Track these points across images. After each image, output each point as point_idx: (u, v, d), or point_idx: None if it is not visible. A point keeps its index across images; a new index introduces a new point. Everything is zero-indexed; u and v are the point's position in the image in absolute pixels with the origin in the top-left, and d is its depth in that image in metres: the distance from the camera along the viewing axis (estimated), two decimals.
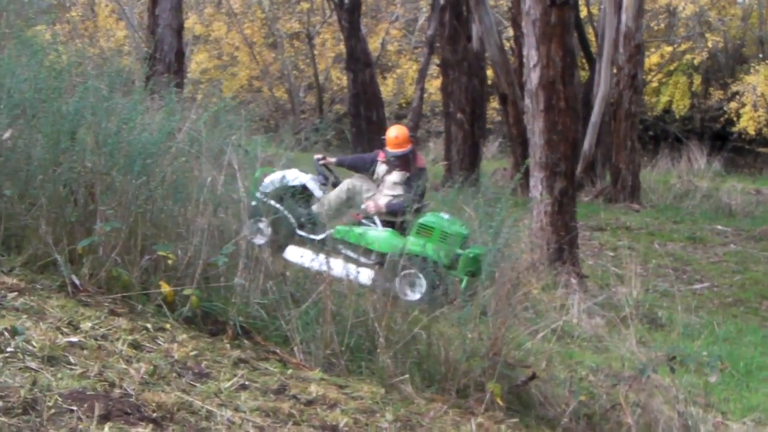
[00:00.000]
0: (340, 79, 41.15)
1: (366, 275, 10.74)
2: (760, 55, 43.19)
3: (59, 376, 4.59)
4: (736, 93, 41.93)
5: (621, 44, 25.20)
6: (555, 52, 14.08)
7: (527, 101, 14.43)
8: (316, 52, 41.26)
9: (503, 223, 8.88)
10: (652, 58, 41.15)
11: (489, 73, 28.49)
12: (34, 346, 4.85)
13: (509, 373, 7.11)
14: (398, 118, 40.01)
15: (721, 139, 40.29)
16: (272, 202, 11.51)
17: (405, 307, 7.05)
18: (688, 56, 42.92)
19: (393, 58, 45.38)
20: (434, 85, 37.19)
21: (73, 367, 4.78)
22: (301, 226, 11.63)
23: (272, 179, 11.80)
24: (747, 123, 40.81)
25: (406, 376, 6.50)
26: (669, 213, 24.42)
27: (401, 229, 11.57)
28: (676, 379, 8.11)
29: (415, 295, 11.15)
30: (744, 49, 45.47)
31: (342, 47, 33.59)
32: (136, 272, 6.41)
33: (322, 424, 5.19)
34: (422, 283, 11.21)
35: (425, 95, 37.43)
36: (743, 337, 13.10)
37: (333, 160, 12.68)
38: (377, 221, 11.61)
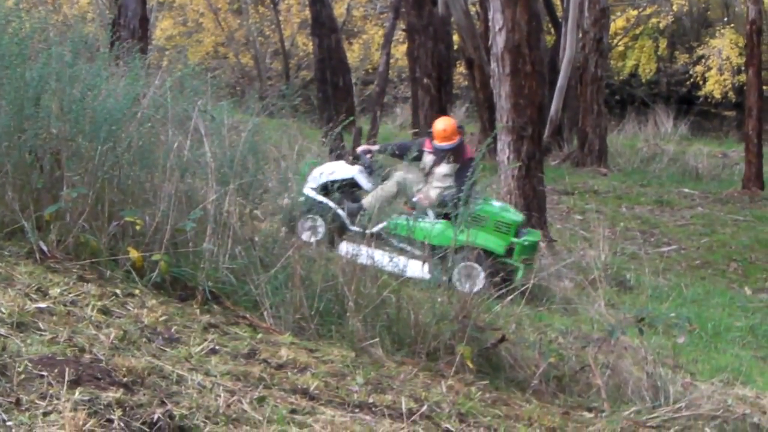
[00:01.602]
0: (306, 44, 40.99)
1: (421, 268, 10.75)
2: (725, 19, 43.37)
3: (29, 341, 4.57)
4: (702, 57, 42.11)
5: (586, 8, 25.25)
6: (520, 16, 14.06)
7: (493, 65, 14.42)
8: (281, 18, 41.07)
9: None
10: (617, 22, 41.21)
11: (455, 38, 28.49)
12: (3, 312, 4.83)
13: (479, 335, 7.13)
14: (365, 84, 39.99)
15: (687, 102, 40.48)
16: (322, 198, 11.48)
17: (374, 271, 7.03)
18: (653, 20, 43.02)
19: (359, 24, 45.27)
20: (400, 50, 37.12)
21: (42, 332, 4.77)
22: (353, 221, 11.55)
23: (320, 173, 11.74)
24: (713, 86, 41.00)
25: (376, 339, 6.51)
26: (636, 176, 24.54)
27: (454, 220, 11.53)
28: (644, 341, 8.15)
29: (473, 286, 11.10)
30: (709, 13, 45.60)
31: (307, 13, 33.43)
32: (104, 238, 6.39)
33: (292, 388, 5.19)
34: (479, 274, 11.18)
35: (392, 61, 37.29)
36: (711, 298, 13.19)
37: (376, 148, 12.53)
38: (430, 213, 11.50)
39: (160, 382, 4.60)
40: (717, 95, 40.79)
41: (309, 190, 11.51)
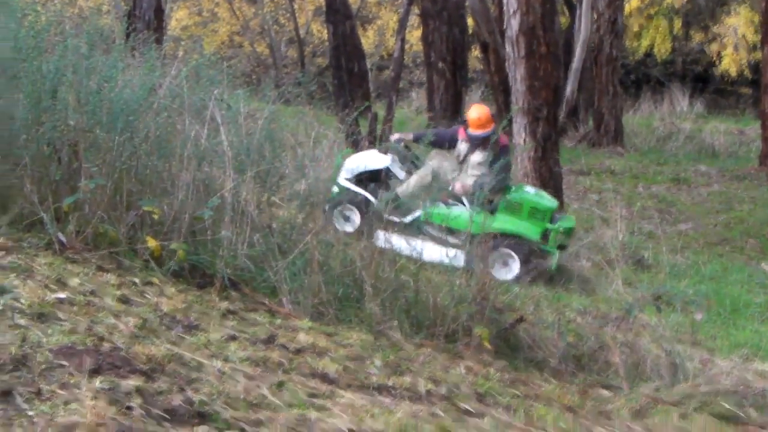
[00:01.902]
0: (320, 32, 40.92)
1: (458, 256, 10.81)
2: None
3: (49, 332, 4.62)
4: (717, 35, 41.87)
5: None
6: None
7: (508, 48, 14.40)
8: (296, 6, 41.02)
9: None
10: (632, 2, 40.98)
11: (469, 21, 28.39)
12: (23, 304, 4.88)
13: (497, 317, 7.17)
14: (380, 70, 39.95)
15: (702, 81, 40.25)
16: (357, 188, 11.51)
17: (391, 255, 7.07)
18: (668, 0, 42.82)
19: (373, 10, 45.16)
20: (415, 35, 37.02)
21: (62, 323, 4.81)
22: (388, 210, 11.57)
23: (354, 164, 11.76)
24: (728, 64, 40.76)
25: (395, 322, 6.55)
26: (652, 155, 24.47)
27: (490, 208, 11.55)
28: (662, 319, 8.19)
29: (509, 274, 11.14)
30: None
31: (322, 0, 33.40)
32: (122, 228, 6.43)
33: (312, 372, 5.24)
34: (515, 261, 11.23)
35: (406, 46, 37.22)
36: (729, 275, 13.17)
37: (410, 137, 12.50)
38: (465, 201, 11.52)
39: (179, 369, 4.64)
40: (733, 73, 40.57)
41: (344, 180, 11.55)
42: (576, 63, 26.28)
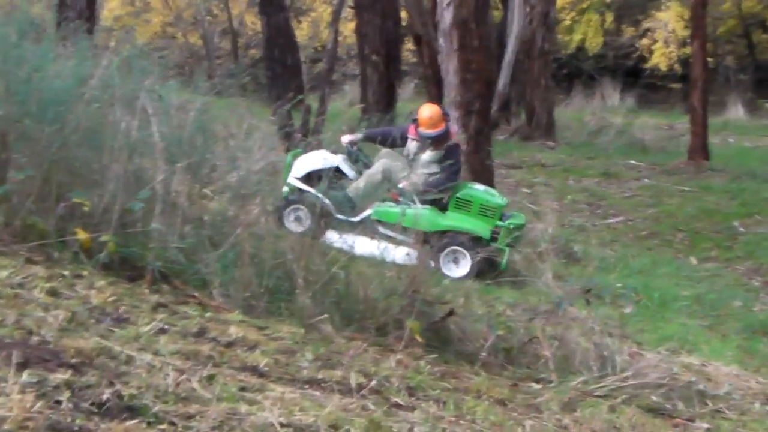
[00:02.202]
0: (254, 23, 40.75)
1: (408, 254, 10.84)
2: None
3: None
4: (648, 29, 42.29)
5: None
6: None
7: (441, 41, 14.43)
8: None
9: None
10: None
11: (403, 14, 28.42)
12: None
13: (428, 310, 7.18)
14: (314, 62, 39.88)
15: (633, 75, 40.61)
16: (306, 187, 11.47)
17: (323, 247, 7.07)
18: None
19: (307, 2, 45.11)
20: (349, 27, 37.03)
21: None
22: (338, 210, 11.57)
23: (304, 163, 11.71)
24: (659, 59, 41.19)
25: (326, 315, 6.54)
26: (583, 149, 24.67)
27: (440, 206, 11.59)
28: (592, 312, 8.26)
29: (460, 271, 11.17)
30: None
31: None
32: (51, 220, 6.38)
33: (242, 365, 5.23)
34: (466, 259, 11.23)
35: (340, 38, 37.18)
36: (657, 269, 13.31)
37: (360, 136, 12.50)
38: (415, 199, 11.54)
39: (108, 362, 4.61)
40: (663, 68, 40.99)
41: (294, 179, 11.55)
42: (508, 56, 26.38)
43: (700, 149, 23.34)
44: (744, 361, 9.27)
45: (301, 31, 41.37)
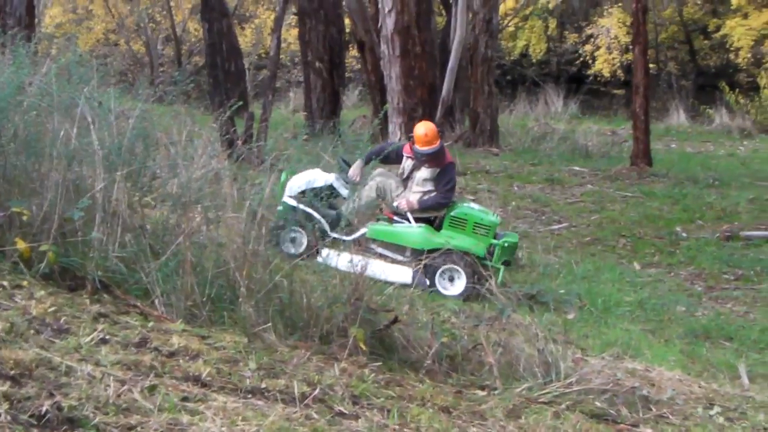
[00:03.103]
0: (197, 30, 40.57)
1: (404, 273, 10.80)
2: None
3: None
4: (591, 36, 42.61)
5: None
6: None
7: (383, 47, 14.50)
8: (172, 3, 40.71)
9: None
10: (507, 3, 41.42)
11: (346, 21, 28.45)
12: None
13: (372, 318, 7.17)
14: (258, 69, 39.84)
15: (577, 81, 40.89)
16: (302, 207, 11.38)
17: (266, 256, 7.02)
18: (542, 0, 43.36)
19: (250, 8, 45.03)
20: (293, 34, 37.03)
21: None
22: (333, 228, 11.53)
23: (297, 183, 11.61)
24: (602, 65, 41.52)
25: (269, 324, 6.51)
26: (527, 156, 24.74)
27: (434, 225, 11.56)
28: (535, 318, 8.27)
29: (455, 290, 11.12)
30: None
31: None
32: None
33: (184, 375, 5.18)
34: (462, 277, 11.19)
35: (284, 45, 37.20)
36: (601, 274, 13.37)
37: (361, 163, 12.32)
38: (410, 218, 11.50)
39: (48, 374, 4.56)
40: (606, 74, 41.31)
41: (288, 198, 11.47)
42: (452, 63, 26.41)
43: (643, 155, 23.49)
44: (687, 366, 9.33)
45: (245, 38, 41.34)
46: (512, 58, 43.74)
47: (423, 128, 11.70)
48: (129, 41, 43.32)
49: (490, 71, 25.97)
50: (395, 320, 7.22)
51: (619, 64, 41.06)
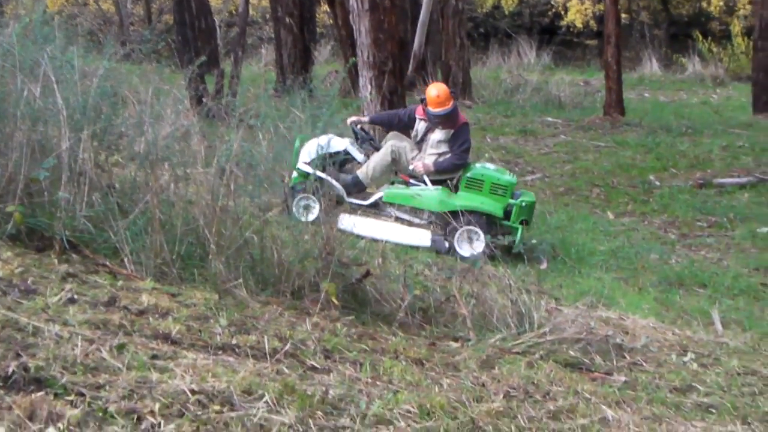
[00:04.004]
0: None
1: (423, 236, 10.73)
2: None
3: None
4: None
5: None
6: None
7: (352, 1, 14.35)
8: None
9: (328, 124, 8.86)
10: None
11: None
12: None
13: (344, 272, 7.16)
14: (229, 26, 39.55)
15: (549, 32, 40.79)
16: (317, 172, 11.30)
17: (236, 212, 6.97)
18: None
19: None
20: None
21: None
22: (349, 193, 11.50)
23: (311, 149, 11.50)
24: (574, 16, 41.44)
25: (240, 280, 6.48)
26: (500, 108, 24.76)
27: (451, 186, 11.52)
28: (508, 269, 8.27)
29: (474, 250, 11.03)
30: None
31: None
32: None
33: (154, 333, 5.15)
34: (480, 238, 11.12)
35: (255, 1, 37.02)
36: (575, 224, 13.39)
37: (366, 119, 12.29)
38: (427, 180, 11.43)
39: (15, 334, 4.52)
40: (579, 24, 41.26)
41: (303, 164, 11.37)
42: (423, 16, 26.35)
43: (616, 104, 23.56)
44: (661, 314, 9.36)
45: None
46: (484, 10, 43.55)
47: (435, 90, 11.61)
48: (98, 0, 42.94)
49: (461, 24, 25.91)
50: (367, 274, 7.21)
51: (591, 15, 41.00)
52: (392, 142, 11.66)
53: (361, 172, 11.54)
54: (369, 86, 14.01)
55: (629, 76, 31.46)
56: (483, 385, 5.86)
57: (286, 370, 5.08)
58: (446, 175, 11.50)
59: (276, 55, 26.51)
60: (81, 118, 7.01)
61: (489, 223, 11.17)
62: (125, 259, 6.43)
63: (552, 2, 42.87)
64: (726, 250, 12.61)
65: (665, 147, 19.73)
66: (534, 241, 11.14)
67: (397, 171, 11.69)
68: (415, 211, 11.35)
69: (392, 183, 11.69)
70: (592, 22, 40.89)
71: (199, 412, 4.13)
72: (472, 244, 11.09)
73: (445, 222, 11.08)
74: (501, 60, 33.48)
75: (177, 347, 5.01)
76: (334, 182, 11.31)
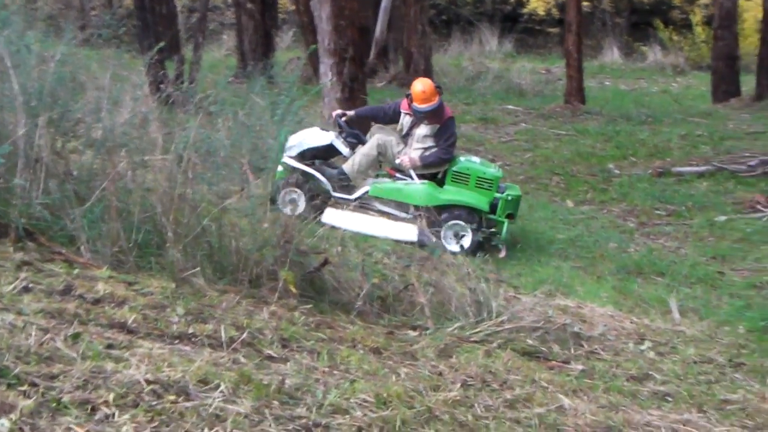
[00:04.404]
0: None
1: (409, 231, 10.66)
2: None
3: None
4: None
5: None
6: None
7: None
8: None
9: (287, 111, 8.82)
10: None
11: None
12: None
13: (302, 260, 7.15)
14: (191, 11, 39.34)
15: (511, 20, 40.78)
16: (303, 166, 11.23)
17: (194, 200, 6.93)
18: None
19: None
20: None
21: None
22: (335, 188, 11.43)
23: (297, 141, 11.42)
24: (536, 4, 41.45)
25: (197, 269, 6.45)
26: (461, 95, 24.77)
27: (437, 180, 11.47)
28: (467, 257, 8.28)
29: (461, 245, 11.00)
30: None
31: None
32: None
33: (109, 322, 5.12)
34: (467, 232, 11.08)
35: None
36: (534, 212, 13.42)
37: (352, 113, 12.17)
38: (413, 174, 11.38)
39: None
40: (541, 12, 41.29)
41: (288, 159, 11.31)
42: (385, 2, 26.36)
43: (576, 93, 23.64)
44: (619, 302, 9.39)
45: None
46: None
47: (420, 85, 11.56)
48: None
49: (423, 10, 25.90)
50: (325, 262, 7.20)
51: (553, 2, 41.02)
52: (378, 136, 11.62)
53: (347, 166, 11.50)
54: (330, 73, 13.99)
55: (590, 64, 31.56)
56: (440, 374, 5.87)
57: (243, 360, 5.07)
58: (432, 169, 11.48)
59: (237, 41, 26.45)
60: (37, 104, 6.95)
61: (474, 216, 11.15)
62: (82, 248, 6.39)
63: None
64: (684, 239, 12.67)
65: (625, 135, 19.82)
66: (493, 230, 11.14)
67: (382, 164, 11.66)
68: (401, 205, 11.31)
69: (377, 176, 11.65)
70: (554, 10, 40.93)
71: (154, 402, 4.12)
72: (458, 239, 11.09)
73: (431, 216, 11.06)
74: (463, 47, 33.47)
75: (133, 336, 4.99)
76: (319, 176, 11.27)
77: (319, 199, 11.20)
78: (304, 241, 7.43)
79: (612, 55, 34.90)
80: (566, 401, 5.70)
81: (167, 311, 5.63)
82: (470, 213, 11.16)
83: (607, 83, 29.62)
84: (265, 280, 6.76)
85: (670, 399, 6.45)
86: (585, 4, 33.71)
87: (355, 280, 7.34)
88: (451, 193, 11.22)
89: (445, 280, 7.70)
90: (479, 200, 11.19)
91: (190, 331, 5.34)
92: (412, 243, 10.66)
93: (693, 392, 6.62)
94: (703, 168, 16.59)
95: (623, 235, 12.70)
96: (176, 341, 5.13)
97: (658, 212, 14.17)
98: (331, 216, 10.90)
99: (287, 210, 10.77)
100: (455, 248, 10.84)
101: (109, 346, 4.69)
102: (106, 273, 6.10)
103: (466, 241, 11.05)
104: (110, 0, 38.92)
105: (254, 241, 6.98)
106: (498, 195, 11.34)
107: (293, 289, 6.64)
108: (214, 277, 6.60)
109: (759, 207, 14.19)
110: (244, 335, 5.45)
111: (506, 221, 11.17)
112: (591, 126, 20.95)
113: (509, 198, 11.29)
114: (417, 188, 11.29)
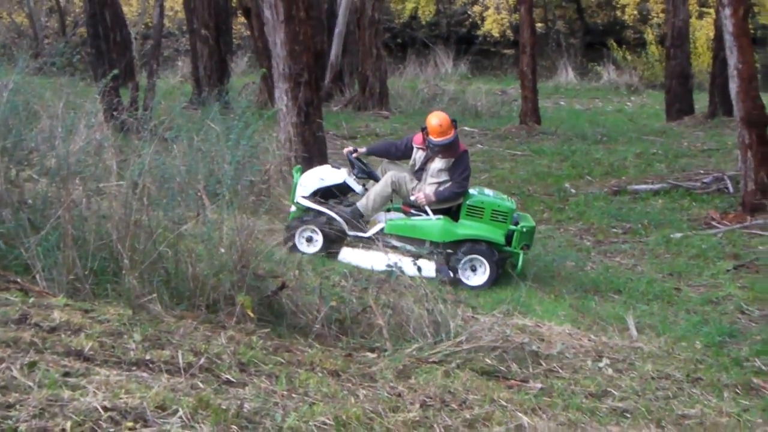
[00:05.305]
0: (82, 0, 39.97)
1: (428, 266, 10.53)
2: None
3: None
4: None
5: None
6: None
7: (267, 13, 14.31)
8: None
9: (242, 136, 8.83)
10: None
11: None
12: None
13: (259, 284, 7.15)
14: (145, 38, 39.28)
15: (466, 42, 41.07)
16: (317, 206, 11.20)
17: (149, 226, 6.91)
18: None
19: None
20: (179, 2, 36.61)
21: None
22: (350, 226, 11.29)
23: (309, 182, 11.34)
24: (491, 26, 41.79)
25: (154, 295, 6.44)
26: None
27: (451, 214, 11.40)
28: (424, 279, 8.30)
29: (478, 279, 10.97)
30: None
31: None
32: None
33: (66, 351, 5.11)
34: (485, 266, 11.06)
35: (171, 13, 36.82)
36: None
37: (363, 150, 12.16)
38: (428, 210, 11.34)
39: None
40: (495, 34, 41.61)
41: (301, 198, 11.23)
42: (339, 27, 26.43)
43: (532, 113, 23.77)
44: (577, 320, 9.44)
45: (131, 7, 40.72)
46: (402, 20, 43.76)
47: (436, 119, 11.48)
48: (11, 13, 42.44)
49: (378, 34, 26.01)
50: (283, 286, 7.20)
51: (508, 24, 41.36)
52: (392, 173, 11.52)
53: (362, 204, 11.39)
54: (285, 98, 13.99)
55: (545, 84, 31.79)
56: (399, 395, 5.88)
57: (201, 385, 5.06)
58: (447, 204, 11.40)
59: (192, 67, 26.41)
60: None
61: (491, 250, 11.13)
62: (37, 276, 6.37)
63: (469, 12, 43.18)
64: (640, 256, 12.76)
65: (581, 155, 19.94)
66: (450, 251, 11.15)
67: (391, 199, 11.59)
68: (417, 241, 11.28)
69: (388, 210, 11.57)
70: (508, 32, 41.26)
71: (112, 430, 4.12)
72: (475, 273, 11.03)
73: (446, 251, 11.00)
74: (418, 70, 33.57)
75: (90, 364, 4.98)
76: (334, 215, 11.20)
77: (333, 236, 11.12)
78: (261, 266, 7.42)
79: (567, 75, 35.13)
80: (525, 420, 5.73)
81: (124, 338, 5.62)
82: (488, 246, 11.14)
83: (562, 103, 29.81)
84: (223, 305, 6.75)
85: (628, 415, 6.49)
86: (539, 25, 34.02)
87: (312, 304, 7.34)
88: (467, 228, 11.15)
89: (403, 302, 7.70)
90: (495, 233, 11.14)
91: (148, 357, 5.33)
92: (430, 279, 10.56)
93: (651, 408, 6.66)
94: (658, 186, 16.71)
95: (580, 253, 12.77)
96: (134, 368, 5.12)
97: (615, 230, 14.26)
98: (347, 255, 10.82)
99: (303, 248, 10.78)
100: (474, 282, 10.87)
101: (66, 374, 4.68)
102: (62, 301, 6.07)
103: (483, 275, 11.07)
104: (64, 28, 38.85)
105: (211, 266, 6.97)
106: (512, 227, 11.33)
107: (251, 314, 6.63)
108: (171, 303, 6.58)
109: (713, 223, 14.32)
110: (202, 360, 5.44)
111: (522, 253, 11.14)
112: (547, 146, 21.07)
113: (524, 230, 11.23)
114: (433, 224, 11.23)
